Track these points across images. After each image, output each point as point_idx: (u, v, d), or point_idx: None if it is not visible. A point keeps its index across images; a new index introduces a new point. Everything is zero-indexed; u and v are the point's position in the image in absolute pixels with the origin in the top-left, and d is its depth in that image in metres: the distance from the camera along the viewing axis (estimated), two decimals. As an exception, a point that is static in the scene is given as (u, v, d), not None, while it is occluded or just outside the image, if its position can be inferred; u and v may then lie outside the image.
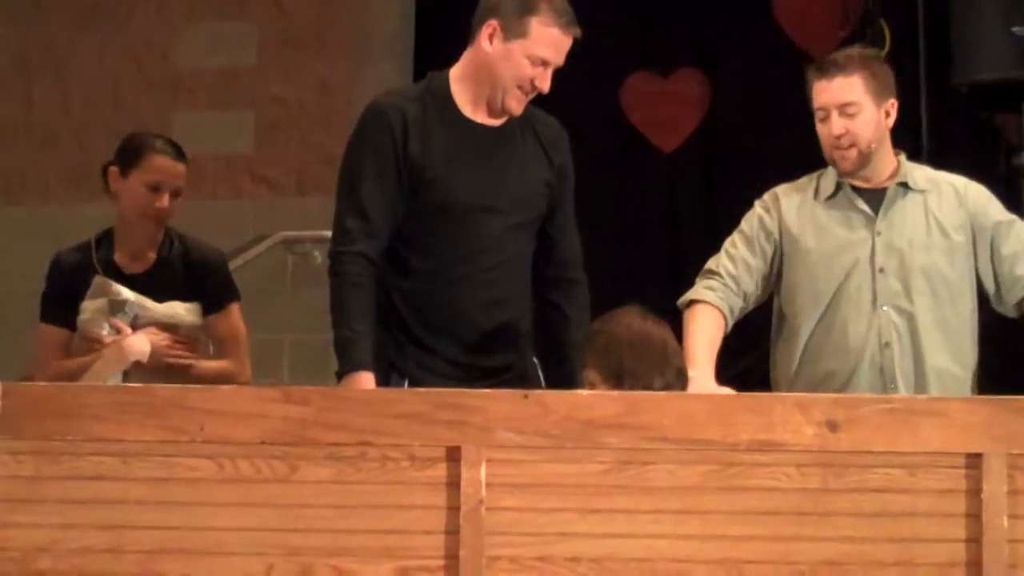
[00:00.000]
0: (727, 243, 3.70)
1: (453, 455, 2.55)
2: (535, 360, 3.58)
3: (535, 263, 3.54)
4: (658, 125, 6.09)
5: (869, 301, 3.53)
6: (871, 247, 3.55)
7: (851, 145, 3.53)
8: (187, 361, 3.71)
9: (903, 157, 3.65)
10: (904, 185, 3.59)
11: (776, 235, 3.64)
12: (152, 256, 3.83)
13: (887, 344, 3.51)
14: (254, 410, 2.58)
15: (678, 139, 6.09)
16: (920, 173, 3.63)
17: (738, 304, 3.63)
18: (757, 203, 3.73)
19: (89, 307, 3.75)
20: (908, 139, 5.27)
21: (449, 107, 3.43)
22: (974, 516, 2.52)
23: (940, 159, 5.00)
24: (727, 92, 5.99)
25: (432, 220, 3.39)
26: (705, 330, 3.55)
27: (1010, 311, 3.59)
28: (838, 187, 3.62)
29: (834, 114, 3.54)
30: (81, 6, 6.47)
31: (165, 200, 3.79)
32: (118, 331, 3.69)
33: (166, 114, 6.38)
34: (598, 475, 2.55)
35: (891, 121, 3.57)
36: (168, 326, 3.74)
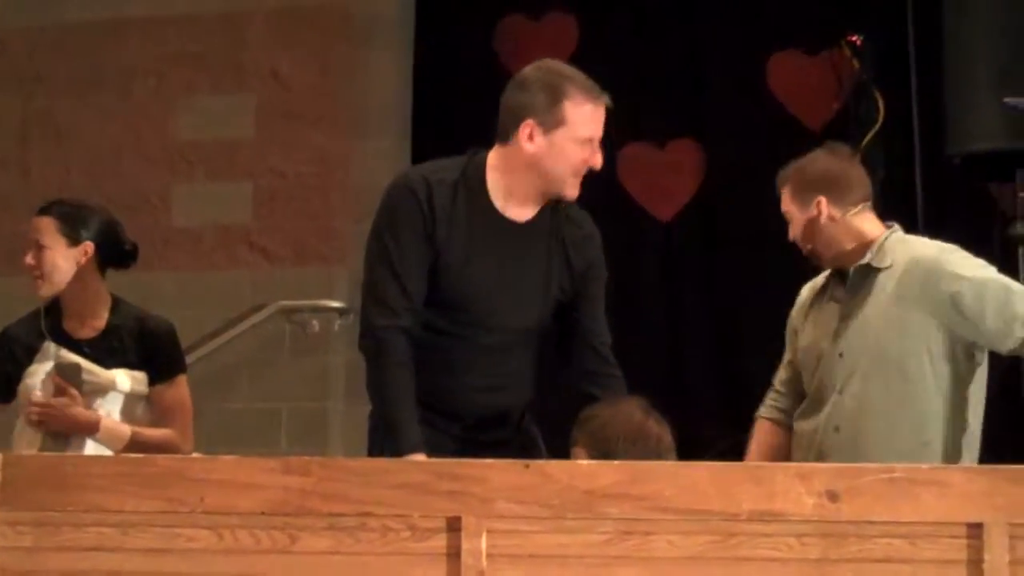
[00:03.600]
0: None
1: (453, 525, 2.54)
2: (535, 430, 3.58)
3: (567, 355, 3.52)
4: (654, 194, 6.12)
5: (833, 387, 3.65)
6: (835, 332, 3.67)
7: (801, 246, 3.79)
8: (39, 411, 3.73)
9: (883, 236, 3.71)
10: (869, 265, 3.68)
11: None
12: (102, 323, 3.87)
13: (837, 428, 3.62)
14: (254, 480, 2.58)
15: (674, 208, 6.12)
16: (890, 249, 3.68)
17: (796, 403, 3.81)
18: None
19: (36, 371, 3.81)
20: (903, 209, 5.30)
21: (481, 198, 3.40)
22: (976, 586, 2.51)
23: (935, 229, 5.02)
24: (722, 162, 6.03)
25: (439, 307, 3.38)
26: (757, 447, 3.86)
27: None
28: (828, 276, 3.80)
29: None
30: (81, 77, 6.52)
31: (28, 257, 3.87)
32: (64, 393, 3.72)
33: (165, 185, 6.42)
34: (599, 545, 2.54)
35: (824, 216, 3.70)
36: (114, 392, 3.81)
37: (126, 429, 3.80)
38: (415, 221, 3.36)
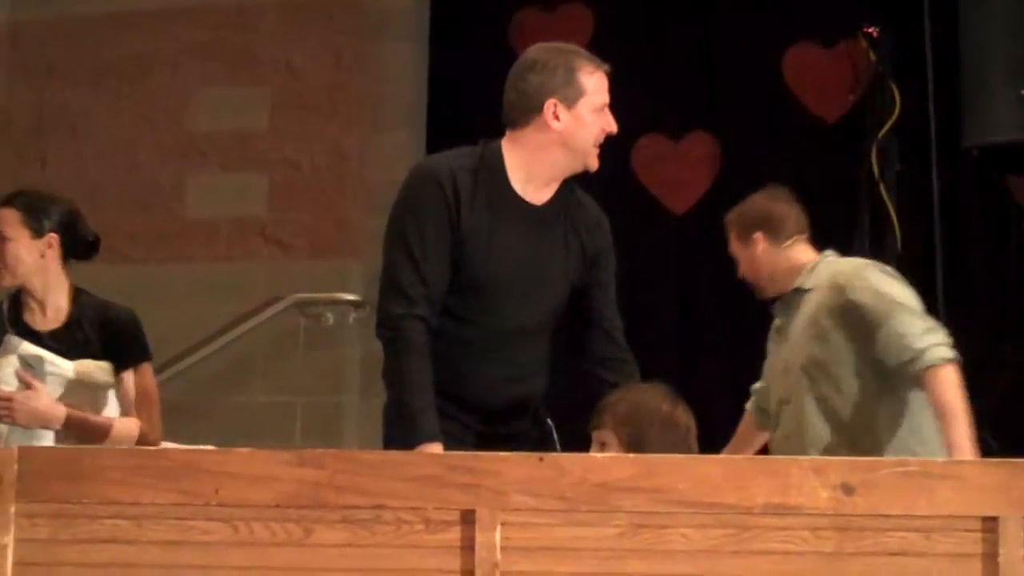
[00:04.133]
0: None
1: (468, 518, 2.54)
2: (550, 422, 3.58)
3: (580, 340, 3.54)
4: (669, 187, 6.12)
5: (781, 399, 3.92)
6: (779, 351, 4.00)
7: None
8: (2, 405, 3.68)
9: (815, 261, 3.94)
10: (799, 288, 3.95)
11: None
12: (64, 314, 3.85)
13: (788, 437, 3.85)
14: (269, 473, 2.58)
15: (689, 201, 6.11)
16: (818, 272, 3.92)
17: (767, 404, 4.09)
18: None
19: None
20: (919, 203, 5.29)
21: (501, 182, 3.43)
22: (991, 580, 2.51)
23: (951, 222, 5.00)
24: (737, 155, 6.02)
25: (461, 294, 3.39)
26: (736, 435, 4.27)
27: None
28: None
29: None
30: (96, 69, 6.53)
31: None
32: (28, 386, 3.71)
33: (180, 177, 6.43)
34: (613, 539, 2.54)
35: (760, 249, 4.01)
36: (79, 383, 3.77)
37: (134, 425, 3.79)
38: (439, 209, 3.37)
